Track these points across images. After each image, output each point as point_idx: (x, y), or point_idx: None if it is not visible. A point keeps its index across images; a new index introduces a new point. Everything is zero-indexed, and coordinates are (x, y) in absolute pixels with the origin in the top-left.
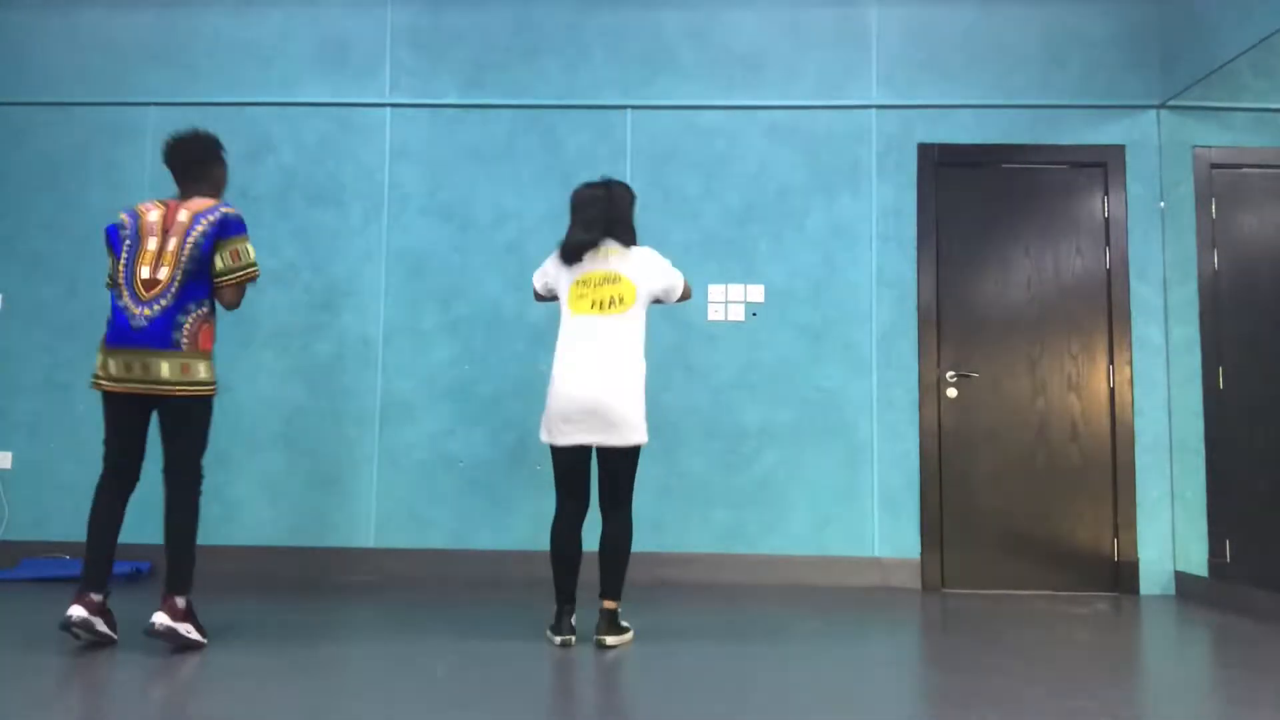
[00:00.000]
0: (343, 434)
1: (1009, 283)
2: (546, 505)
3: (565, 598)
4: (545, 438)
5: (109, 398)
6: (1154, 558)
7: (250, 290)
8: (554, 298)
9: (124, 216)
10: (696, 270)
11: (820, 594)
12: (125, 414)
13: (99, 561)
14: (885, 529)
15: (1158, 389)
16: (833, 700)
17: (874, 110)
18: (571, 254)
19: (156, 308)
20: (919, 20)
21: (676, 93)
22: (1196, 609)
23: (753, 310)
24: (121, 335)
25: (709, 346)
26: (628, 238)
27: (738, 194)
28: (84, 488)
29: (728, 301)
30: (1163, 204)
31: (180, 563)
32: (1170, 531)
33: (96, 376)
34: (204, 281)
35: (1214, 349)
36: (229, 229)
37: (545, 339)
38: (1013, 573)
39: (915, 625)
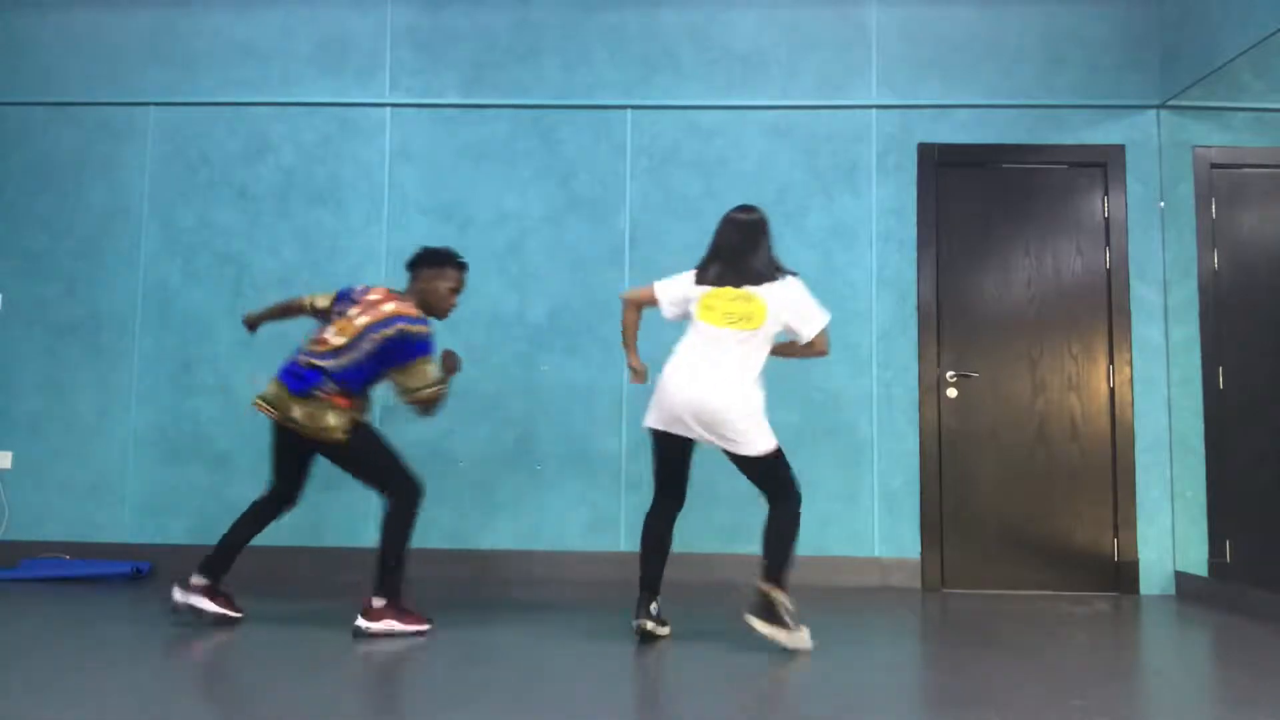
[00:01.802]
0: None
1: (1009, 283)
2: (547, 505)
3: (644, 584)
4: (650, 423)
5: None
6: (1154, 558)
7: (250, 290)
8: (683, 316)
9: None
10: None
11: (820, 594)
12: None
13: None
14: (885, 529)
15: (1158, 389)
16: (833, 700)
17: (874, 110)
18: (709, 279)
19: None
20: (919, 20)
21: (676, 93)
22: (1196, 609)
23: None
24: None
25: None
26: (772, 272)
27: (738, 194)
28: (84, 488)
29: None
30: (1163, 204)
31: (383, 564)
32: (1170, 531)
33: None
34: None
35: (1214, 349)
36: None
37: (545, 339)
38: (1013, 573)
39: (915, 625)
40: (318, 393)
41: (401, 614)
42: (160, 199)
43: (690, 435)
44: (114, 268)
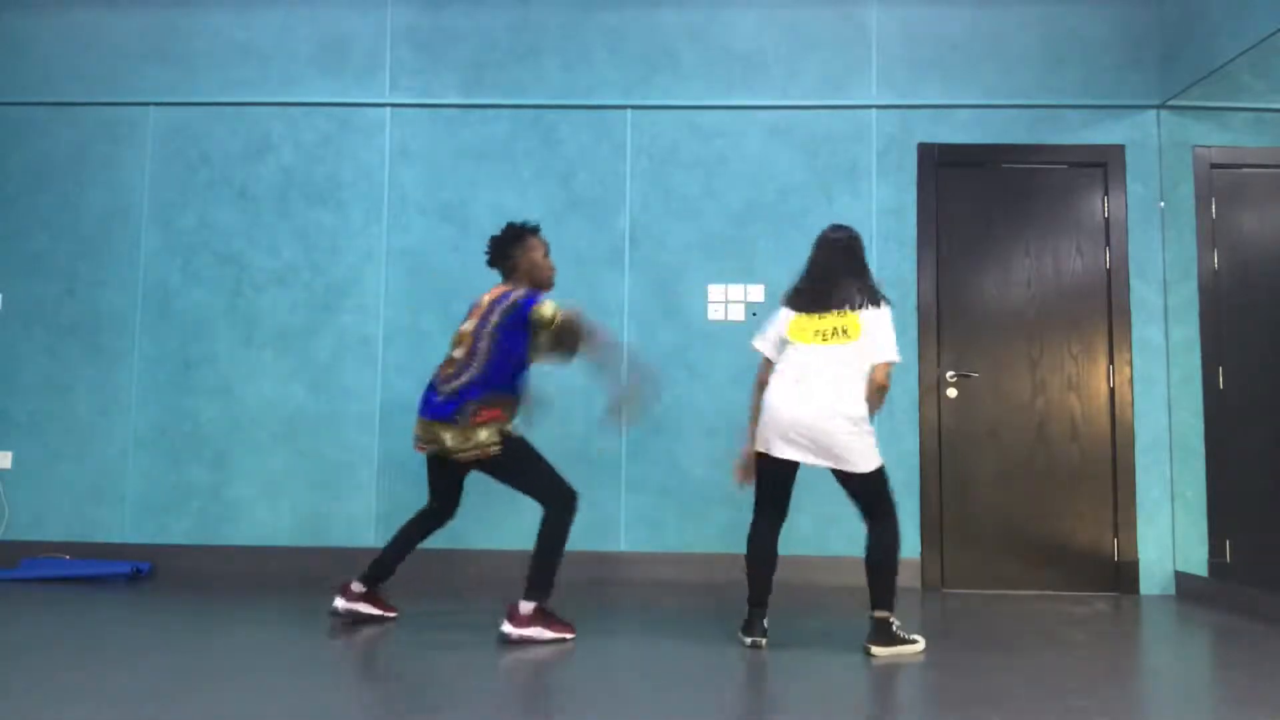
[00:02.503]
0: (343, 434)
1: (1009, 283)
2: None
3: (753, 600)
4: (759, 447)
5: None
6: (1154, 558)
7: (250, 290)
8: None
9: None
10: (696, 270)
11: (821, 594)
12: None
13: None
14: None
15: (1158, 389)
16: (833, 700)
17: (874, 110)
18: (801, 305)
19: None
20: (919, 20)
21: (676, 93)
22: (1196, 609)
23: (753, 310)
24: None
25: (709, 346)
26: (868, 296)
27: (738, 194)
28: (84, 488)
29: (728, 301)
30: (1163, 204)
31: (535, 570)
32: (1170, 531)
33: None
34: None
35: (1214, 349)
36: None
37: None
38: (1013, 573)
39: (915, 625)
40: (460, 417)
41: (549, 621)
42: (160, 199)
43: (800, 459)
44: (114, 268)
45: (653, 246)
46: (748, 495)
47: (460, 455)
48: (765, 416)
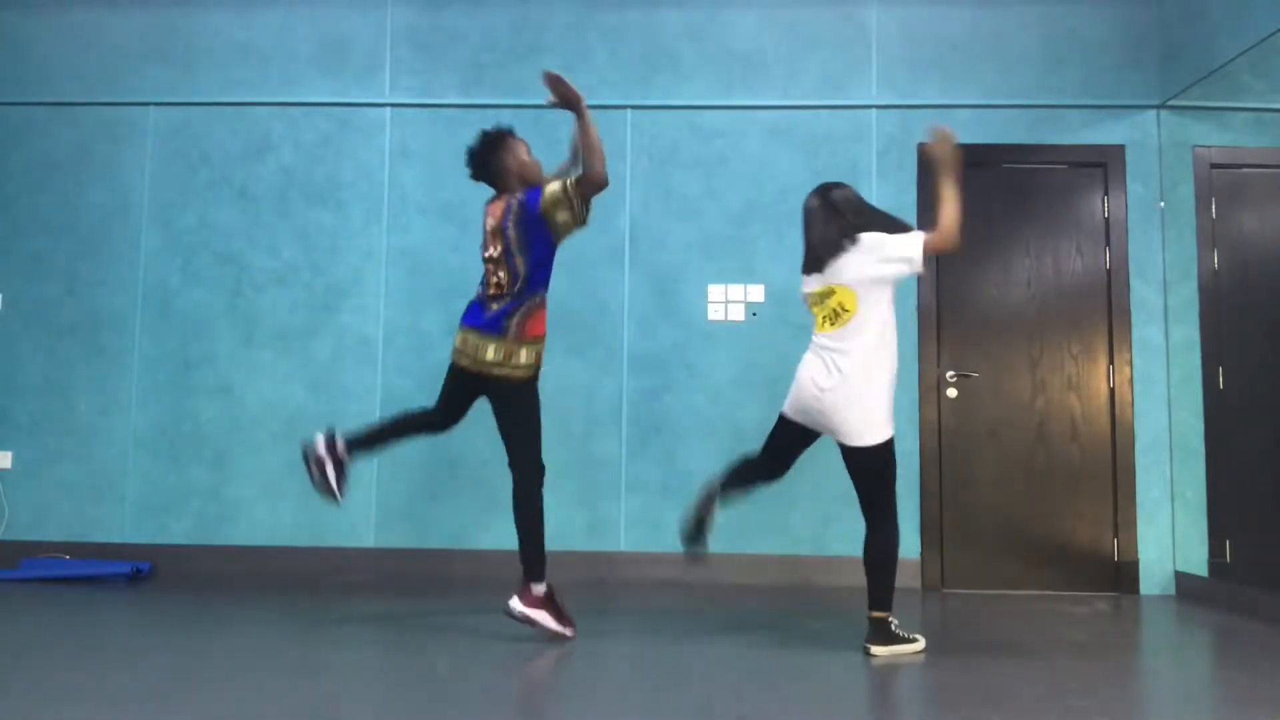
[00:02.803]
0: None
1: (1009, 283)
2: (547, 505)
3: (717, 485)
4: (784, 409)
5: None
6: (1154, 558)
7: (250, 290)
8: None
9: None
10: (696, 270)
11: (821, 594)
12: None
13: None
14: None
15: (1158, 389)
16: (833, 700)
17: (874, 110)
18: (803, 269)
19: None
20: (919, 20)
21: (676, 93)
22: (1196, 609)
23: (753, 310)
24: None
25: (709, 346)
26: (844, 243)
27: (738, 194)
28: (84, 488)
29: (728, 301)
30: (1163, 204)
31: (523, 551)
32: (1170, 531)
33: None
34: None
35: (1214, 349)
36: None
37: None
38: (1013, 573)
39: (915, 625)
40: (512, 326)
41: (556, 612)
42: (160, 199)
43: (806, 424)
44: (114, 268)
45: (653, 246)
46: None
47: (496, 372)
48: (794, 387)
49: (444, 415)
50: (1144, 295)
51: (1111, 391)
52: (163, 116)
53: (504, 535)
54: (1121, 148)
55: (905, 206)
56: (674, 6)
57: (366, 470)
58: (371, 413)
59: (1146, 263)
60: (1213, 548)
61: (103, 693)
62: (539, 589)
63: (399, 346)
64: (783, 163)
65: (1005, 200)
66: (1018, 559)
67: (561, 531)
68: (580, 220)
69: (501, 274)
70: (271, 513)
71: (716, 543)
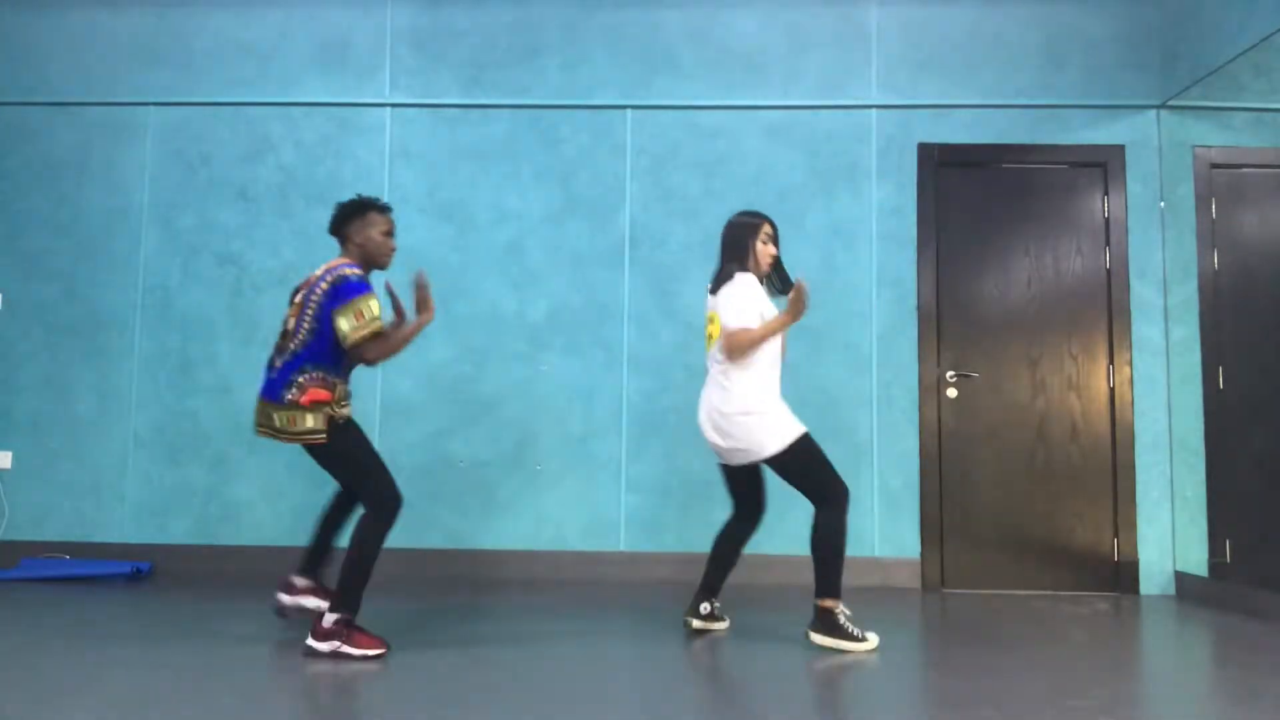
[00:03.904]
0: None
1: (1009, 283)
2: (547, 505)
3: (701, 585)
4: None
5: None
6: (1154, 558)
7: (250, 290)
8: None
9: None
10: (696, 270)
11: None
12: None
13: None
14: (885, 529)
15: (1158, 389)
16: (833, 700)
17: (874, 110)
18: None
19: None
20: (919, 20)
21: (676, 93)
22: (1196, 609)
23: None
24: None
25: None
26: (724, 275)
27: (738, 194)
28: (84, 488)
29: None
30: (1163, 204)
31: (344, 579)
32: (1170, 531)
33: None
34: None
35: (1214, 349)
36: (344, 292)
37: (545, 339)
38: (1013, 573)
39: (915, 625)
40: (288, 394)
41: (353, 635)
42: (160, 199)
43: (724, 459)
44: (114, 268)
45: (653, 246)
46: None
47: (287, 439)
48: None
49: (339, 492)
50: (1144, 295)
51: (1111, 391)
52: (163, 116)
53: (504, 535)
54: (1121, 148)
55: (905, 206)
56: (674, 6)
57: None
58: (371, 412)
59: (1146, 262)
60: (1213, 548)
61: (102, 693)
62: (332, 619)
63: None
64: (783, 163)
65: (1005, 200)
66: (1018, 559)
67: (561, 531)
68: (344, 337)
69: (290, 324)
70: (271, 513)
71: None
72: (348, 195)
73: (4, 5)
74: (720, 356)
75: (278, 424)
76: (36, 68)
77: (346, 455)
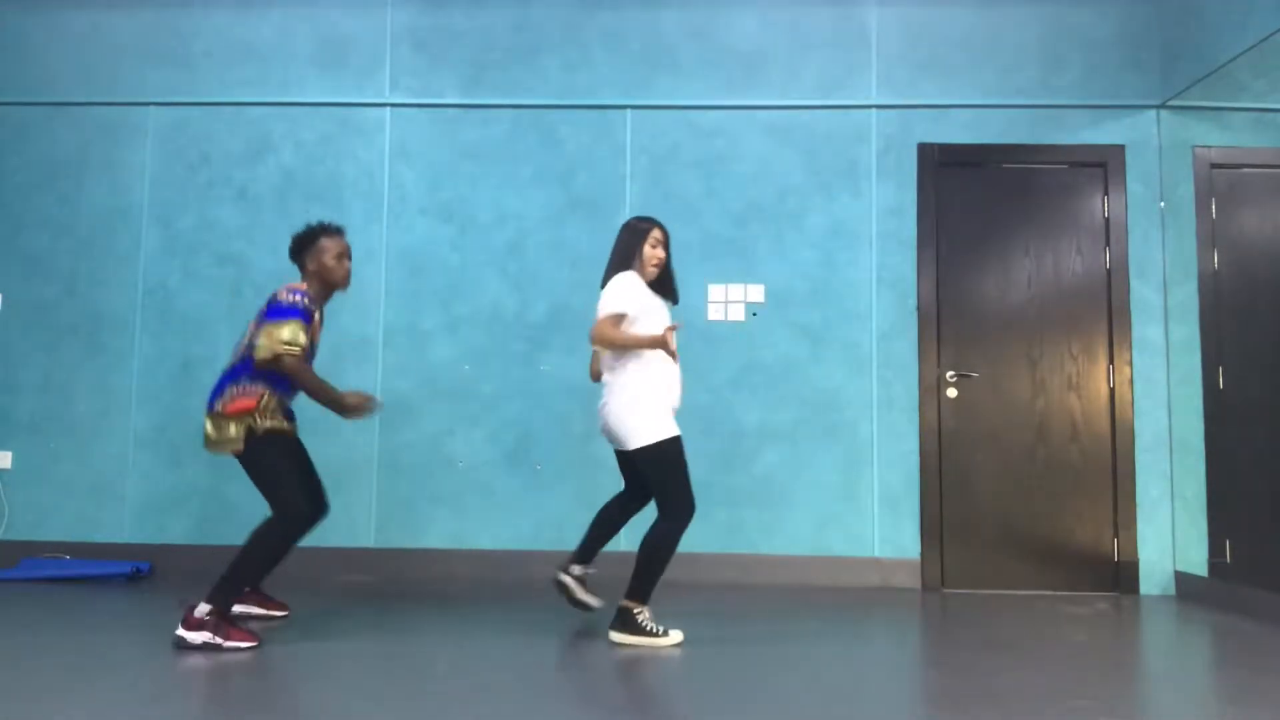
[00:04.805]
0: (342, 434)
1: (1009, 283)
2: (547, 505)
3: (579, 548)
4: None
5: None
6: (1154, 558)
7: (250, 290)
8: None
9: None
10: (696, 270)
11: (820, 594)
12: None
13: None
14: (885, 529)
15: (1158, 389)
16: (832, 700)
17: (874, 110)
18: None
19: None
20: (919, 20)
21: (676, 93)
22: (1196, 609)
23: (753, 310)
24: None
25: (709, 346)
26: (608, 276)
27: (738, 194)
28: (84, 488)
29: (728, 301)
30: (1163, 204)
31: (230, 570)
32: (1170, 531)
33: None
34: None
35: (1214, 349)
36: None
37: (545, 339)
38: (1013, 573)
39: (915, 625)
40: (218, 404)
41: (223, 628)
42: (160, 199)
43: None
44: (114, 268)
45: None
46: (749, 496)
47: (214, 450)
48: None
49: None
50: (1144, 295)
51: (1111, 391)
52: (163, 116)
53: (504, 535)
54: (1121, 148)
55: (905, 206)
56: (674, 6)
57: (366, 471)
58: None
59: (1146, 263)
60: (1212, 548)
61: (102, 693)
62: (204, 609)
63: (398, 346)
64: (783, 163)
65: (1005, 200)
66: (1018, 559)
67: (561, 531)
68: (255, 348)
69: (241, 343)
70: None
71: (716, 542)
72: (347, 195)
73: (4, 5)
74: (610, 356)
75: (208, 432)
76: (36, 68)
77: (258, 467)
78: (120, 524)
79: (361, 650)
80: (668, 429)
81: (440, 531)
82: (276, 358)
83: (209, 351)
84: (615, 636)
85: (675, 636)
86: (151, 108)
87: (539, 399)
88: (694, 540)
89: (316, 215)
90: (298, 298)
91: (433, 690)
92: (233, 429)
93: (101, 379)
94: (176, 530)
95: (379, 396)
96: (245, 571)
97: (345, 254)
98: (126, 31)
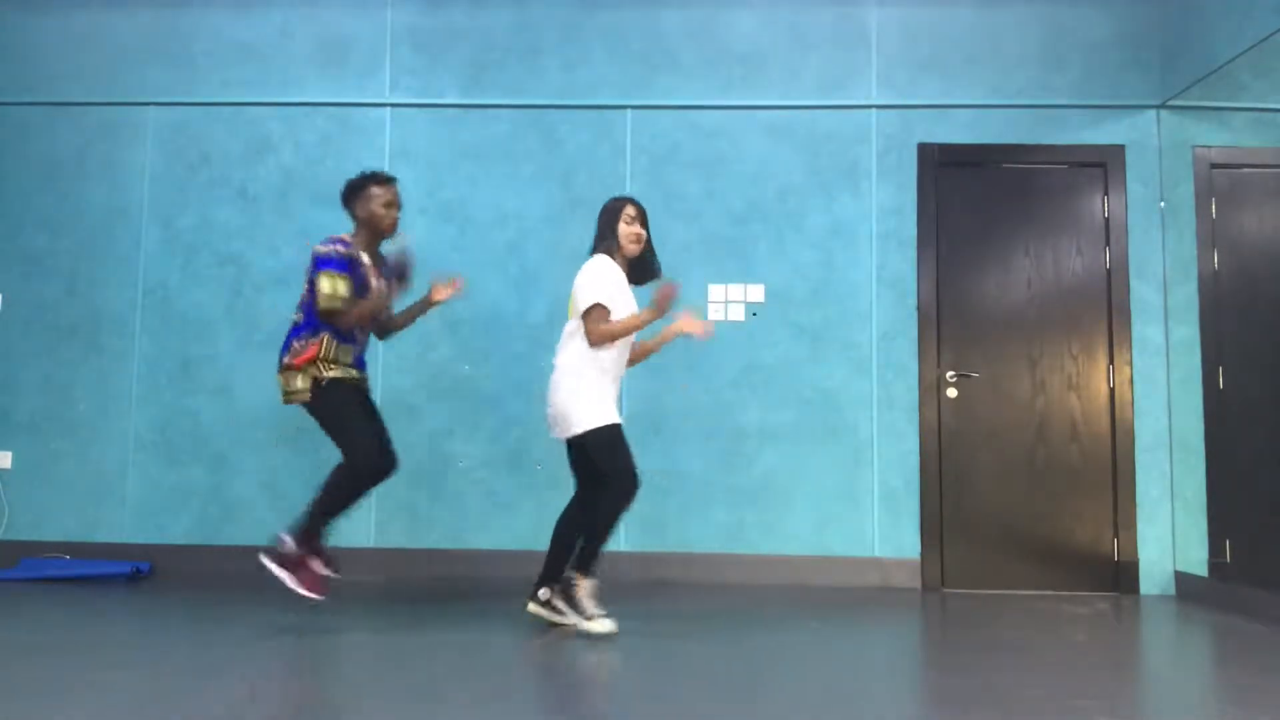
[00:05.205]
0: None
1: (1009, 283)
2: (547, 505)
3: (543, 571)
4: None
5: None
6: (1154, 558)
7: (250, 290)
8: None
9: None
10: (696, 270)
11: (820, 594)
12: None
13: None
14: (885, 529)
15: (1158, 389)
16: (832, 700)
17: (874, 110)
18: None
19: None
20: (919, 20)
21: (676, 93)
22: (1196, 609)
23: (753, 310)
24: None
25: (709, 346)
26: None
27: (738, 194)
28: (84, 488)
29: (728, 301)
30: (1163, 204)
31: (307, 511)
32: (1170, 531)
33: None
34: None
35: (1214, 349)
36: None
37: (545, 339)
38: (1013, 573)
39: (915, 625)
40: (286, 358)
41: (301, 571)
42: (160, 199)
43: (553, 433)
44: (114, 268)
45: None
46: (748, 496)
47: (287, 401)
48: None
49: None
50: (1144, 295)
51: (1111, 391)
52: (163, 116)
53: (504, 535)
54: (1121, 148)
55: (905, 206)
56: (674, 6)
57: None
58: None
59: (1146, 263)
60: (1213, 548)
61: (102, 693)
62: (289, 544)
63: (399, 346)
64: (783, 163)
65: (1005, 200)
66: (1018, 559)
67: None
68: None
69: (300, 300)
70: (271, 513)
71: (716, 543)
72: None
73: (4, 5)
74: (571, 328)
75: (282, 387)
76: (36, 68)
77: (324, 414)
78: (120, 524)
79: (361, 650)
80: (610, 415)
81: (440, 531)
82: (325, 312)
83: (209, 351)
84: (551, 598)
85: (605, 625)
86: (151, 108)
87: (539, 399)
88: (694, 540)
89: (316, 215)
90: (330, 247)
91: (433, 690)
92: (299, 380)
93: (101, 379)
94: (176, 530)
95: (457, 277)
96: (320, 514)
97: (394, 203)
98: (126, 31)
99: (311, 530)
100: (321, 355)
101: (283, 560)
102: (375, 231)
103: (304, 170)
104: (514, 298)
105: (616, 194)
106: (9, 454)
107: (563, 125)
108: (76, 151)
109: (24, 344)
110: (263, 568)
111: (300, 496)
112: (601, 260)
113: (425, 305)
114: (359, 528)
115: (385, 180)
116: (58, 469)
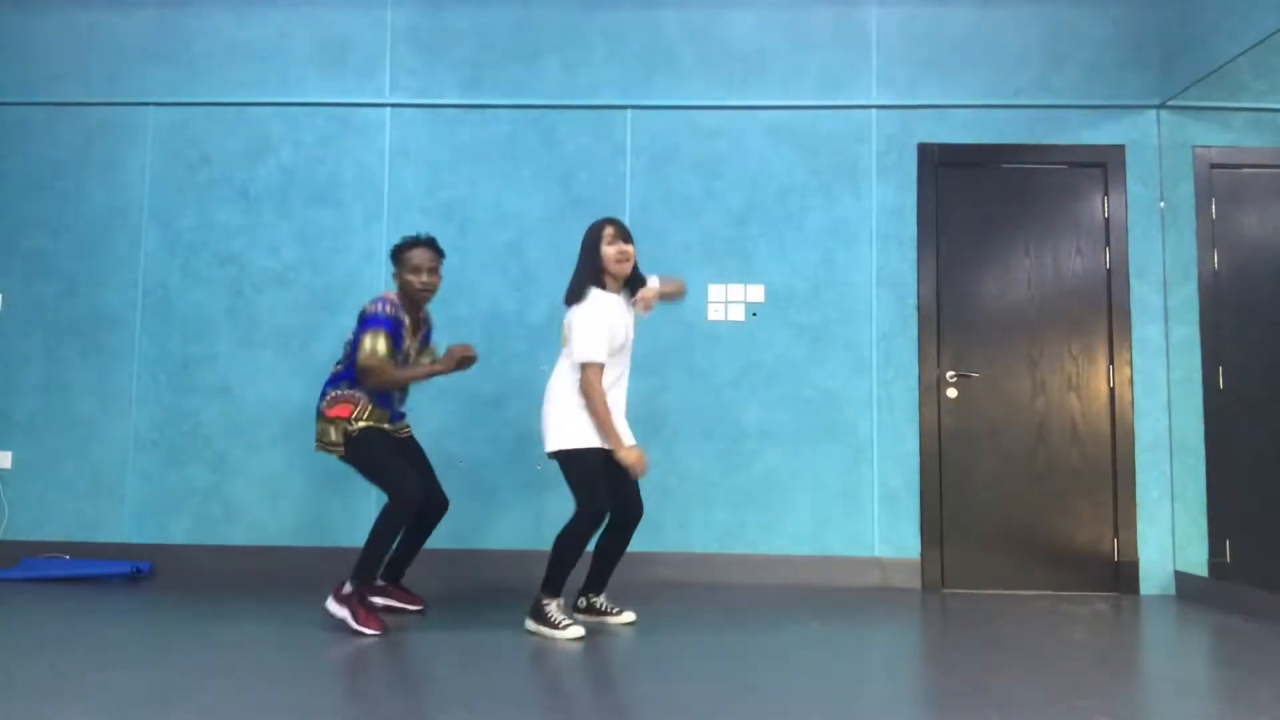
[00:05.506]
0: None
1: (1009, 283)
2: (546, 505)
3: (588, 577)
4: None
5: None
6: (1154, 558)
7: (250, 290)
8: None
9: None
10: (696, 270)
11: (820, 594)
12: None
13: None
14: (885, 529)
15: (1158, 389)
16: (832, 700)
17: (874, 110)
18: None
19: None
20: (919, 20)
21: (676, 93)
22: (1196, 609)
23: (753, 310)
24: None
25: (709, 346)
26: (574, 289)
27: (738, 194)
28: (84, 488)
29: (728, 301)
30: (1163, 204)
31: (361, 555)
32: (1170, 531)
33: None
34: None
35: (1214, 349)
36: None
37: (545, 339)
38: (1013, 573)
39: (915, 625)
40: (321, 405)
41: (359, 611)
42: (160, 199)
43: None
44: (114, 268)
45: (653, 246)
46: (748, 496)
47: (321, 450)
48: None
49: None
50: (1144, 295)
51: (1111, 391)
52: (163, 116)
53: (504, 535)
54: (1121, 148)
55: (905, 206)
56: (674, 6)
57: None
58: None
59: (1146, 263)
60: (1213, 548)
61: (102, 693)
62: (349, 587)
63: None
64: (783, 163)
65: (1005, 200)
66: (1018, 559)
67: None
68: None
69: (344, 352)
70: (271, 513)
71: (716, 542)
72: (347, 195)
73: (4, 5)
74: (564, 352)
75: (318, 434)
76: (36, 68)
77: (361, 463)
78: (120, 524)
79: (362, 650)
80: (587, 439)
81: (440, 531)
82: (360, 369)
83: (209, 351)
84: (528, 625)
85: (575, 631)
86: (151, 108)
87: (539, 399)
88: (694, 540)
89: (316, 215)
90: (379, 307)
91: (433, 690)
92: (333, 433)
93: (101, 379)
94: (176, 530)
95: (471, 346)
96: (369, 557)
97: (421, 267)
98: (126, 31)
99: (361, 578)
100: (353, 416)
101: (344, 602)
102: (409, 298)
103: (304, 170)
104: (514, 298)
105: (608, 203)
106: (9, 454)
107: (563, 125)
108: (76, 151)
109: (24, 344)
110: (328, 614)
111: (300, 497)
112: (592, 305)
113: (443, 373)
114: (359, 528)
115: (417, 243)
116: (57, 469)
